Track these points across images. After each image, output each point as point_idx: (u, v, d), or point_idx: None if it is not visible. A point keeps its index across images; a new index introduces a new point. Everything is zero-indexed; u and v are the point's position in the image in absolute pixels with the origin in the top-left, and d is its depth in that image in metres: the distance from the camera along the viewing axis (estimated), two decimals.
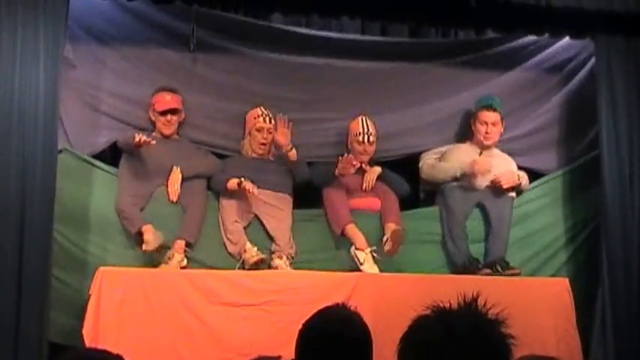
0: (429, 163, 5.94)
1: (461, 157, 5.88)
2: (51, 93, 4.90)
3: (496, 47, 6.18)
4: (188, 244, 5.34)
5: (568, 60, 6.21)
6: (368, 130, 5.78)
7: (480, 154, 5.89)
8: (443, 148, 6.00)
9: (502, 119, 5.90)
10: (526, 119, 6.19)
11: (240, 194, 5.47)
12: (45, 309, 4.73)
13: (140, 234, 5.23)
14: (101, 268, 4.98)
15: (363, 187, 5.71)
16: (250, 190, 5.35)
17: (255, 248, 5.34)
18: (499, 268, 5.57)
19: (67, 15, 5.06)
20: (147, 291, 4.95)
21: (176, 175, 5.45)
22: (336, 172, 5.60)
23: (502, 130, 5.92)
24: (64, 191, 5.11)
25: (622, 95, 5.66)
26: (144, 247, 5.17)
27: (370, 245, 5.47)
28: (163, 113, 5.56)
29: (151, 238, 5.16)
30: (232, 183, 5.44)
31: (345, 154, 5.63)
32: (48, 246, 4.80)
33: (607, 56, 5.69)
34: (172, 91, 5.60)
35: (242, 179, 5.38)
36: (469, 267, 5.59)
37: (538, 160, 6.17)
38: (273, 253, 5.45)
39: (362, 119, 5.80)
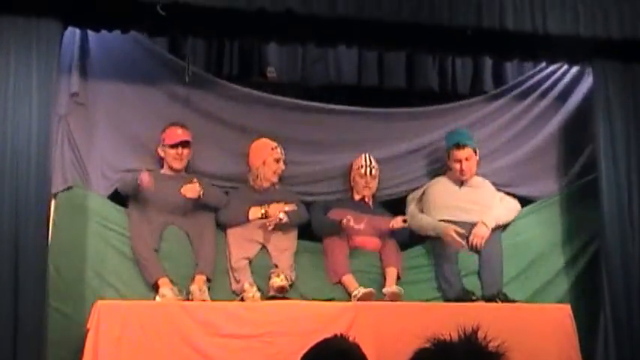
0: (410, 212, 5.92)
1: (438, 198, 5.88)
2: (44, 129, 4.87)
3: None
4: (208, 279, 5.35)
5: (562, 85, 6.23)
6: (370, 163, 5.84)
7: (461, 185, 5.90)
8: (423, 188, 6.00)
9: (475, 150, 5.91)
10: (520, 147, 6.19)
11: (246, 225, 5.54)
12: (42, 345, 4.68)
13: (157, 285, 5.23)
14: (99, 302, 4.94)
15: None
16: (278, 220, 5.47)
17: (255, 288, 5.31)
18: (498, 301, 5.52)
19: (60, 53, 5.06)
20: (145, 324, 4.91)
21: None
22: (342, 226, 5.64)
23: (477, 158, 5.92)
24: (63, 225, 5.11)
25: (619, 120, 5.65)
26: (159, 299, 5.16)
27: (365, 285, 5.47)
28: (174, 146, 5.57)
29: (168, 292, 5.15)
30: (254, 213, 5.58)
31: (345, 220, 5.62)
32: (43, 282, 4.75)
33: (604, 82, 5.69)
34: (183, 126, 5.62)
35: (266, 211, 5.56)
36: (462, 299, 5.52)
37: (535, 188, 6.15)
38: (272, 274, 5.41)
39: (365, 155, 5.87)
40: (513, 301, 5.53)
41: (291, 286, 5.41)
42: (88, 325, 4.83)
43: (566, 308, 5.51)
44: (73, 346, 4.93)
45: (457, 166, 5.87)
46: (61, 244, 5.08)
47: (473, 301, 5.49)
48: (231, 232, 5.59)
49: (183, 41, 5.69)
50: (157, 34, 5.39)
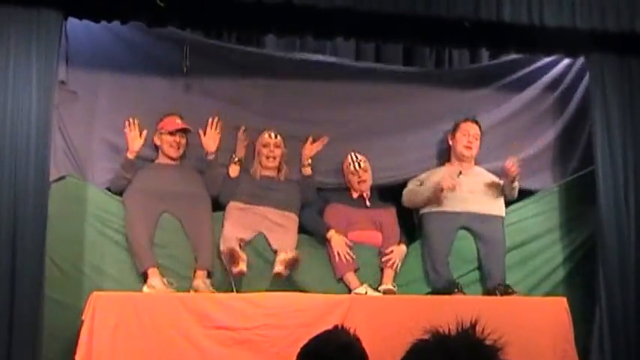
0: (409, 188, 5.92)
1: (438, 180, 5.83)
2: (43, 119, 4.87)
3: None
4: (209, 273, 5.35)
5: (563, 81, 6.23)
6: (357, 158, 5.84)
7: (460, 173, 5.84)
8: (423, 175, 5.98)
9: (481, 137, 5.92)
10: (522, 144, 6.16)
11: (244, 212, 5.52)
12: (37, 335, 4.68)
13: (146, 275, 5.22)
14: (94, 293, 4.92)
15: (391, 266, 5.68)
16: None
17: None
18: (497, 294, 5.51)
19: (61, 40, 5.05)
20: (140, 315, 4.90)
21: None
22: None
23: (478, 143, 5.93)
24: (57, 215, 5.08)
25: (615, 113, 5.65)
26: (146, 288, 5.16)
27: (362, 281, 5.50)
28: (173, 133, 5.58)
29: (158, 283, 5.16)
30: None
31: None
32: (41, 272, 4.75)
33: (600, 75, 5.69)
34: (181, 117, 5.64)
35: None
36: (448, 290, 5.51)
37: (533, 180, 6.14)
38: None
39: (351, 154, 5.86)
40: (514, 293, 5.51)
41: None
42: (83, 316, 4.83)
43: (563, 301, 5.50)
44: (68, 336, 4.92)
45: (464, 138, 5.87)
46: (56, 234, 5.06)
47: (455, 293, 5.48)
48: (229, 218, 5.55)
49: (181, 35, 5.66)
50: (155, 25, 5.36)
